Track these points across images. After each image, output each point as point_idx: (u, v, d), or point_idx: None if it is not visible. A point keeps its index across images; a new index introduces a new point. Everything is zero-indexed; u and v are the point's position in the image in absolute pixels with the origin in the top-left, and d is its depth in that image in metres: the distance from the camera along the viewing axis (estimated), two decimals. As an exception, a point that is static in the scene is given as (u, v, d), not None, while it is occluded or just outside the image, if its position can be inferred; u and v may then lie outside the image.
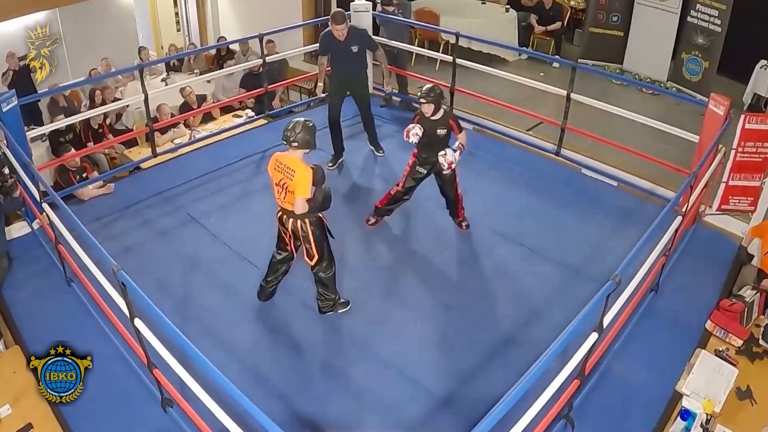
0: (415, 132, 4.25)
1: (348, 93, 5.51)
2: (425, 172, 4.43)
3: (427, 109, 4.16)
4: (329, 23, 5.01)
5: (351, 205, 5.06)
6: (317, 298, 3.82)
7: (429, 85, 4.24)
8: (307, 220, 3.50)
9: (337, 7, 8.25)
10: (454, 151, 4.19)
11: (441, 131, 4.24)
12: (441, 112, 4.24)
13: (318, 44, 5.36)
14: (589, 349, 2.81)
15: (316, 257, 3.59)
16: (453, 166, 4.21)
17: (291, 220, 3.52)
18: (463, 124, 6.26)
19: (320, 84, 5.46)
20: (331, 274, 3.73)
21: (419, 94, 4.19)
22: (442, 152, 4.17)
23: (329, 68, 5.43)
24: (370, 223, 4.71)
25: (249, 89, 6.77)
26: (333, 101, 5.47)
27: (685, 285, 4.16)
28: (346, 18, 4.97)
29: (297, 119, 3.47)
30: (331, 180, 5.31)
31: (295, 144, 3.40)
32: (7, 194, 4.32)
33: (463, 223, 4.68)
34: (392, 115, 6.57)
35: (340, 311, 3.86)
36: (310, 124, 3.45)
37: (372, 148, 5.80)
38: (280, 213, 3.60)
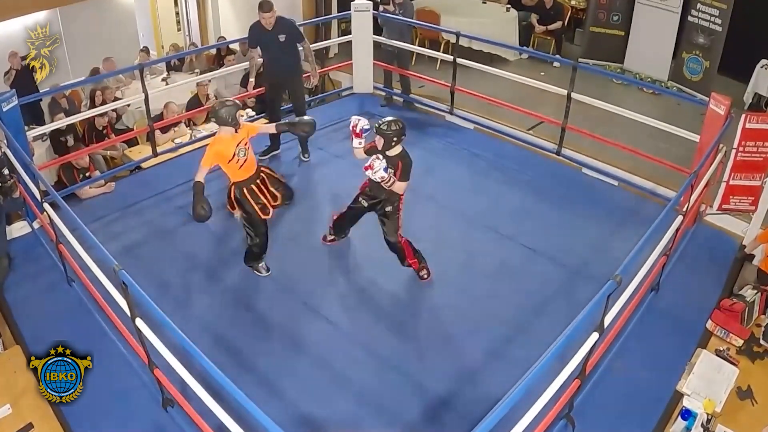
0: (359, 140, 3.83)
1: (285, 90, 5.46)
2: (365, 205, 4.04)
3: (377, 141, 3.73)
4: (258, 13, 5.00)
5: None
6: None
7: (390, 118, 3.76)
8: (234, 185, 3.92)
9: (338, 6, 8.26)
10: (385, 169, 3.66)
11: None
12: (396, 151, 3.75)
13: (248, 37, 5.28)
14: (590, 349, 2.81)
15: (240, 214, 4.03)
16: (376, 176, 3.66)
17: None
18: (463, 123, 6.42)
19: (251, 80, 5.42)
20: (251, 243, 4.08)
21: (378, 122, 3.73)
22: (374, 159, 3.67)
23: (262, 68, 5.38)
24: (327, 240, 4.47)
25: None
26: (269, 97, 5.46)
27: (685, 285, 4.16)
28: (273, 6, 4.96)
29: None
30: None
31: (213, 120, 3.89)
32: (7, 195, 4.31)
33: (421, 273, 4.14)
34: (395, 115, 6.50)
35: (260, 274, 4.21)
36: (227, 104, 3.81)
37: (300, 150, 5.62)
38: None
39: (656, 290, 4.05)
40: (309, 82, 5.42)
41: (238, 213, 4.07)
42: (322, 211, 4.97)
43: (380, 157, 3.69)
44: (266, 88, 5.51)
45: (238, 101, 3.91)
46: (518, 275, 4.28)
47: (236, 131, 3.82)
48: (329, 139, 5.88)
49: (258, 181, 3.94)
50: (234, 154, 3.79)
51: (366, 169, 3.70)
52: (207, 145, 3.96)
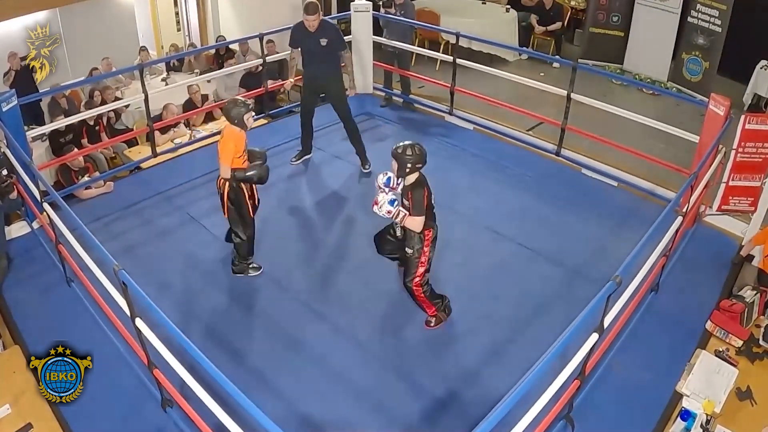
0: (381, 201, 3.39)
1: (323, 95, 5.36)
2: (394, 238, 3.74)
3: (392, 164, 3.37)
4: (302, 14, 4.92)
5: (350, 206, 5.07)
6: (232, 260, 4.21)
7: (410, 142, 3.35)
8: (227, 183, 3.88)
9: (338, 6, 8.27)
10: (391, 202, 3.35)
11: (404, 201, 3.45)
12: (410, 179, 3.39)
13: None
14: (590, 350, 2.81)
15: (226, 215, 4.01)
16: (382, 211, 3.37)
17: (218, 178, 3.94)
18: (463, 124, 6.42)
19: (291, 79, 5.37)
20: (240, 242, 4.08)
21: (397, 144, 3.36)
22: (379, 193, 3.40)
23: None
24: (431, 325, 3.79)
25: (249, 89, 6.77)
26: (304, 99, 5.36)
27: (685, 285, 4.16)
28: (318, 9, 4.86)
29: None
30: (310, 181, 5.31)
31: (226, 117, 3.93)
32: (4, 195, 4.31)
33: (430, 320, 3.76)
34: (395, 115, 6.59)
35: (251, 274, 4.21)
36: (239, 102, 3.90)
37: (359, 160, 5.46)
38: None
39: (656, 291, 4.05)
40: (348, 93, 5.29)
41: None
42: (321, 212, 4.98)
43: (386, 190, 3.41)
44: (301, 89, 5.42)
45: (249, 101, 3.97)
46: (518, 275, 4.28)
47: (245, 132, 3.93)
48: (329, 140, 5.88)
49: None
50: (244, 150, 3.91)
51: (373, 205, 3.38)
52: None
